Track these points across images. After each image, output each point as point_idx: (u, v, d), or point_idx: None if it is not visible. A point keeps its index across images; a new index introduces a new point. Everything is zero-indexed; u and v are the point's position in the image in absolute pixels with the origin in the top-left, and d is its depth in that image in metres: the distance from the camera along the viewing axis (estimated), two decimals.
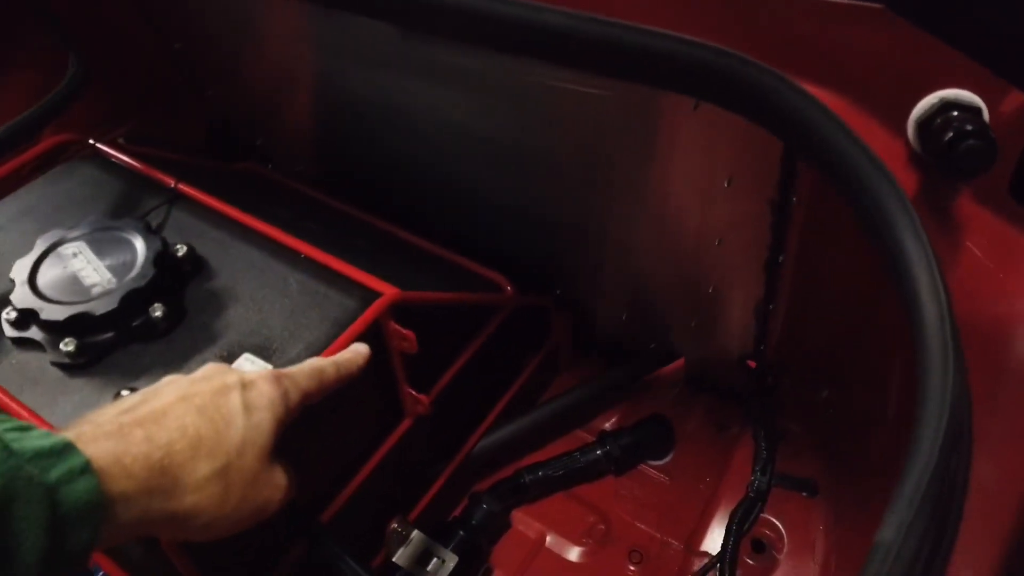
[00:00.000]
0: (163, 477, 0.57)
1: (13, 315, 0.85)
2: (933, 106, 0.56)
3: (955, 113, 0.55)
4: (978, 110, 0.55)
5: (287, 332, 0.88)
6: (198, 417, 0.62)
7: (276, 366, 0.84)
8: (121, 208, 1.01)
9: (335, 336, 0.86)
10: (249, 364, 0.85)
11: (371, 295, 0.90)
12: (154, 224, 0.98)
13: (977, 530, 0.48)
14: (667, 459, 1.34)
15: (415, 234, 1.29)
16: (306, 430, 0.88)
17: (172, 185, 1.04)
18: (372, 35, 1.09)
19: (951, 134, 0.52)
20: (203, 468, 0.60)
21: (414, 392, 1.00)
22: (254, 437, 0.65)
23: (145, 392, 0.64)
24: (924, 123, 0.57)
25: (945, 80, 0.56)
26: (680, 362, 1.40)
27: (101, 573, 0.99)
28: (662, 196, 1.01)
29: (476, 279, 1.20)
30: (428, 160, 1.27)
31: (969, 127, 0.52)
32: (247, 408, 0.65)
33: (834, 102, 0.58)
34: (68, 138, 1.12)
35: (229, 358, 0.85)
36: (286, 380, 0.71)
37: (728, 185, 0.92)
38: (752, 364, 1.27)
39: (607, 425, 1.37)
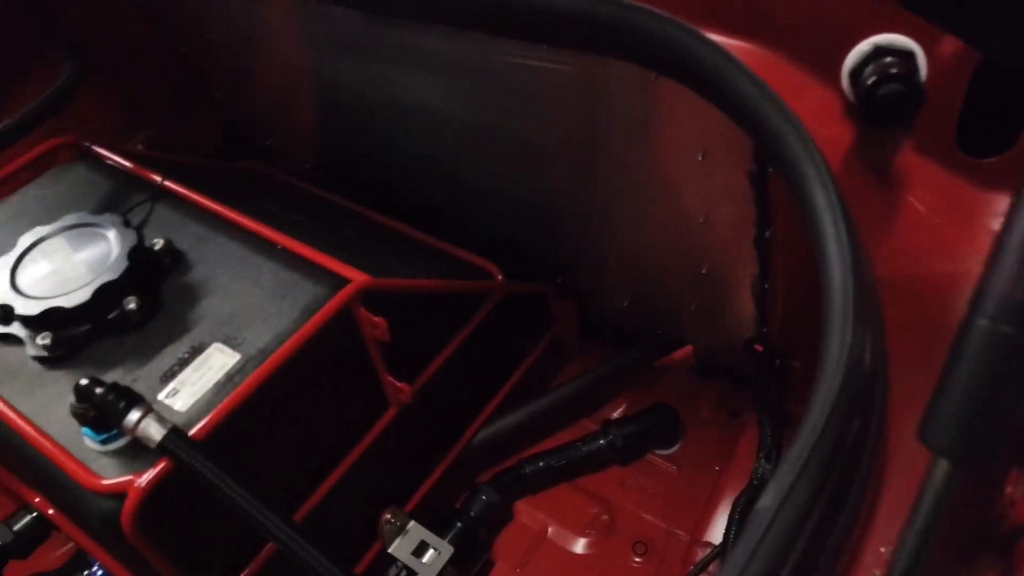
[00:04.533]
0: None
1: None
2: (865, 53, 0.52)
3: (887, 59, 0.51)
4: (910, 54, 0.51)
5: (258, 321, 0.88)
6: None
7: (245, 355, 0.85)
8: (108, 206, 1.03)
9: (303, 323, 0.86)
10: (219, 354, 0.86)
11: (341, 282, 0.90)
12: (137, 220, 1.00)
13: (896, 496, 0.44)
14: (675, 448, 1.30)
15: (411, 225, 1.29)
16: (285, 421, 0.89)
17: (158, 182, 1.06)
18: (357, 27, 1.09)
19: (874, 79, 0.49)
20: None
21: (395, 381, 0.99)
22: None
23: None
24: (856, 71, 0.53)
25: (881, 25, 0.52)
26: (688, 348, 1.36)
27: (98, 564, 1.02)
28: (642, 174, 0.98)
29: (466, 268, 1.19)
30: (423, 152, 1.26)
31: (893, 70, 0.48)
32: None
33: (766, 57, 0.55)
34: (64, 141, 1.15)
35: (200, 348, 0.86)
36: None
37: (703, 159, 0.89)
38: (759, 348, 1.22)
39: (615, 414, 1.35)
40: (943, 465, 0.40)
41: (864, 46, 0.53)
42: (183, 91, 1.64)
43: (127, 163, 1.11)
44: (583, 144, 0.98)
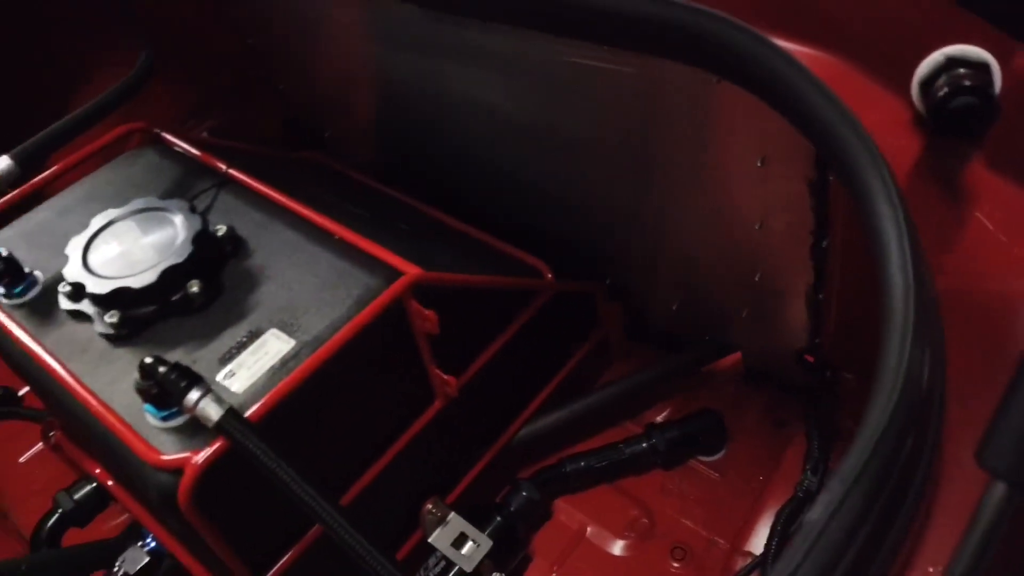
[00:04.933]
0: None
1: (67, 288, 0.91)
2: (938, 64, 0.51)
3: (960, 70, 0.49)
4: (985, 66, 0.50)
5: (313, 309, 0.90)
6: None
7: (300, 342, 0.87)
8: (176, 191, 1.07)
9: (356, 313, 0.88)
10: (275, 340, 0.88)
11: (394, 274, 0.91)
12: (202, 206, 1.04)
13: (947, 517, 0.43)
14: (719, 455, 1.29)
15: (463, 221, 1.30)
16: (335, 408, 0.91)
17: (223, 170, 1.09)
18: (419, 23, 1.10)
19: (946, 90, 0.47)
20: None
21: (442, 374, 1.00)
22: None
23: None
24: (928, 82, 0.52)
25: (954, 36, 0.51)
26: (737, 355, 1.34)
27: (151, 536, 1.06)
28: (698, 177, 0.97)
29: (516, 265, 1.19)
30: (478, 149, 1.27)
31: (967, 83, 0.47)
32: None
33: (834, 64, 0.54)
34: (135, 127, 1.19)
35: (257, 333, 0.89)
36: None
37: (761, 164, 0.88)
38: (810, 358, 1.21)
39: (659, 417, 1.34)
40: (999, 488, 0.39)
41: (937, 56, 0.52)
42: (248, 82, 1.69)
43: (194, 150, 1.15)
44: (639, 145, 0.98)
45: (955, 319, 0.48)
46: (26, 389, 1.48)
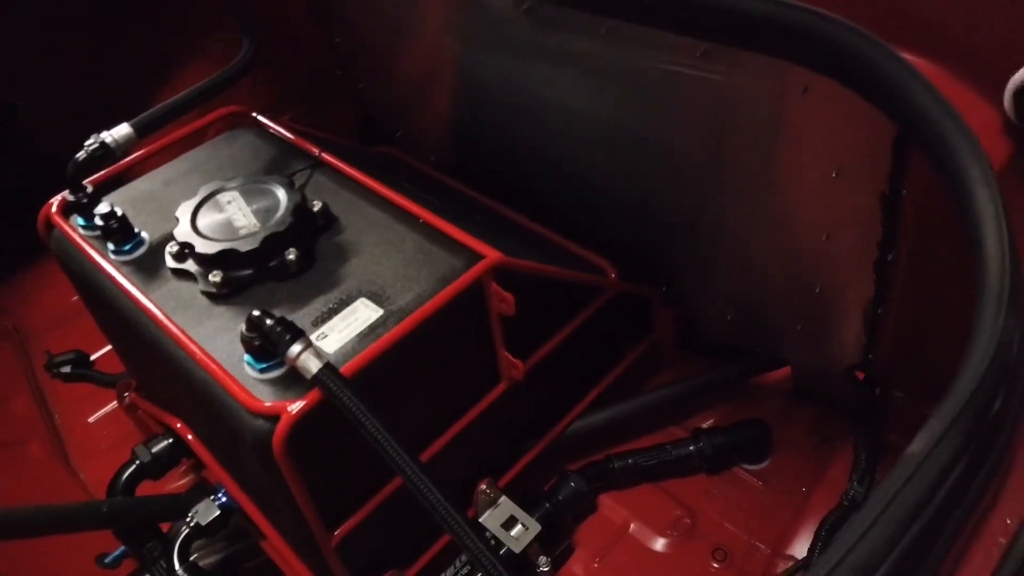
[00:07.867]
0: None
1: (175, 248, 0.98)
2: None
3: None
4: None
5: (400, 283, 0.96)
6: None
7: (387, 311, 0.93)
8: (272, 169, 1.14)
9: (440, 290, 0.93)
10: (364, 307, 0.94)
11: (476, 257, 0.97)
12: (297, 184, 1.10)
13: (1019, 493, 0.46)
14: (763, 464, 1.32)
15: (531, 218, 1.36)
16: (414, 376, 0.96)
17: (316, 153, 1.16)
18: (509, 24, 1.16)
19: None
20: None
21: (511, 356, 1.05)
22: None
23: None
24: (1022, 91, 0.56)
25: None
26: (786, 370, 1.38)
27: (222, 491, 1.12)
28: (770, 187, 1.02)
29: (582, 261, 1.24)
30: (547, 148, 1.33)
31: None
32: None
33: (929, 69, 0.59)
34: (235, 109, 1.27)
35: (348, 301, 0.95)
36: None
37: (836, 175, 0.92)
38: (860, 375, 1.23)
39: (706, 424, 1.37)
40: None
41: None
42: (329, 78, 1.77)
43: (288, 134, 1.22)
44: (715, 151, 1.02)
45: None
46: (98, 354, 1.56)
